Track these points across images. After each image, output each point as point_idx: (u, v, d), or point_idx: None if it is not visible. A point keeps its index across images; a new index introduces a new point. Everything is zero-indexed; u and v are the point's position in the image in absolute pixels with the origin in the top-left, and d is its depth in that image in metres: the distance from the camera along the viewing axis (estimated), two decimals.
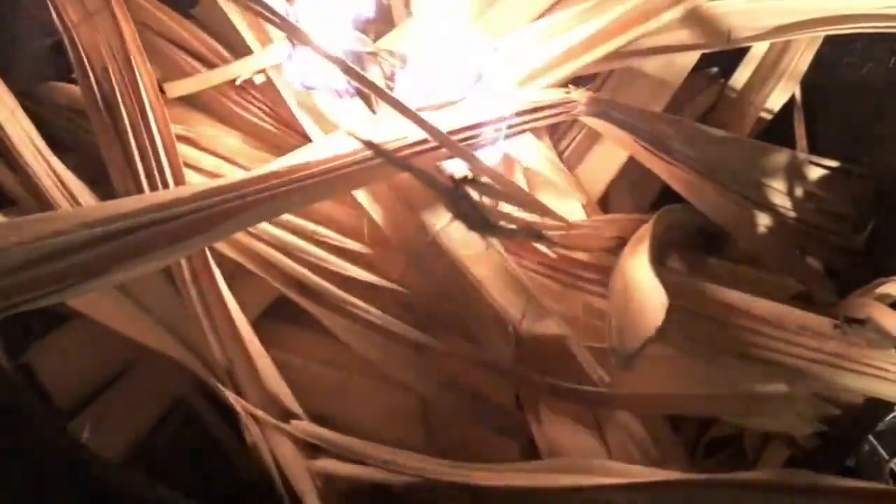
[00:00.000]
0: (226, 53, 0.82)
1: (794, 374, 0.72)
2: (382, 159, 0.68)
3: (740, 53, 0.95)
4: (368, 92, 0.71)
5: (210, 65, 0.82)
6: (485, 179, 0.72)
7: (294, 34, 0.67)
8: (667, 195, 0.84)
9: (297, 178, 0.67)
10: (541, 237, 0.67)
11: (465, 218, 0.56)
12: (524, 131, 0.75)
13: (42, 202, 0.74)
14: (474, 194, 0.57)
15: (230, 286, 0.75)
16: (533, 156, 0.82)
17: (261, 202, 0.66)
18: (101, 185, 0.75)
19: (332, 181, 0.67)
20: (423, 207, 0.74)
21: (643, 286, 0.66)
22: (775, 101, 0.93)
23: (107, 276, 0.61)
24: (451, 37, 0.80)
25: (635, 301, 0.65)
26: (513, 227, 0.62)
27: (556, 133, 0.89)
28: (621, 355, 0.63)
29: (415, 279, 0.75)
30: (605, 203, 0.89)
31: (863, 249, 0.87)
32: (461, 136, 0.73)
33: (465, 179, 0.55)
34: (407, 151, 0.71)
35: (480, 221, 0.57)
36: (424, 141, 0.71)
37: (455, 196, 0.54)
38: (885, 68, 0.88)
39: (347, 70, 0.65)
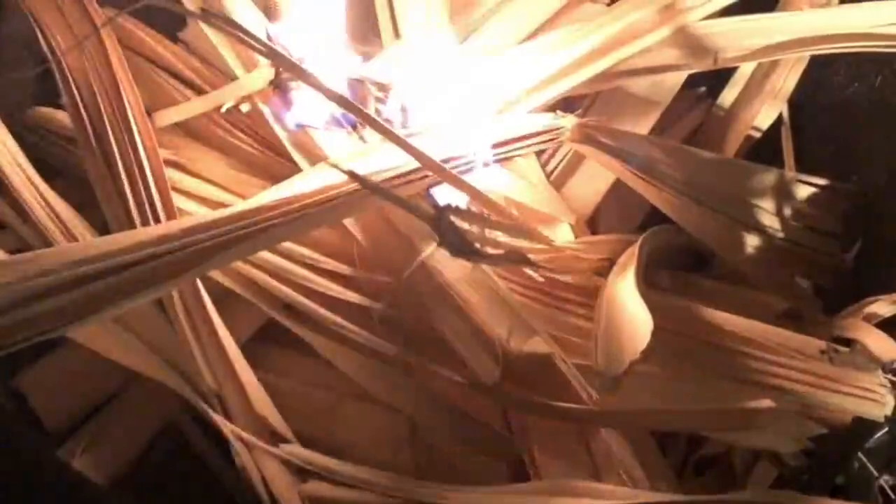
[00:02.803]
0: (214, 78, 0.81)
1: (780, 393, 0.72)
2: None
3: (728, 72, 0.95)
4: (357, 119, 0.71)
5: (198, 89, 0.81)
6: (469, 206, 0.72)
7: (279, 61, 0.67)
8: (656, 213, 0.85)
9: (287, 211, 0.67)
10: (527, 262, 0.67)
11: (450, 246, 0.56)
12: (511, 158, 0.75)
13: (31, 227, 0.74)
14: (459, 221, 0.57)
15: (219, 310, 0.74)
16: (520, 178, 0.81)
17: (251, 236, 0.66)
18: (91, 210, 0.75)
19: (323, 213, 0.68)
20: (410, 229, 0.74)
21: (629, 310, 0.66)
22: (763, 120, 0.94)
23: (97, 314, 0.61)
24: (438, 61, 0.80)
25: (621, 324, 0.66)
26: (499, 252, 0.63)
27: (543, 153, 0.89)
28: (606, 378, 0.63)
29: (403, 300, 0.74)
30: (593, 223, 0.89)
31: (851, 267, 0.86)
32: (450, 163, 0.73)
33: (448, 208, 0.55)
34: (396, 179, 0.70)
35: (465, 249, 0.57)
36: (415, 168, 0.71)
37: (439, 224, 0.54)
38: (871, 87, 0.88)
39: (336, 98, 0.65)
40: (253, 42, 0.61)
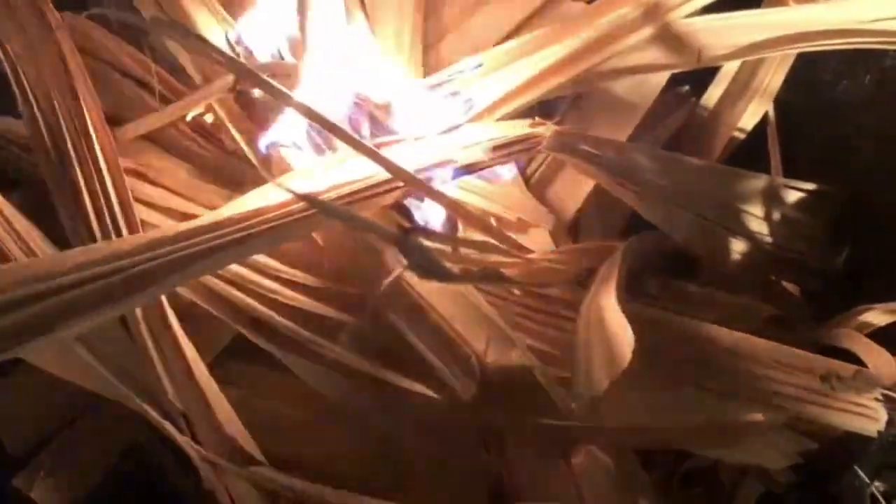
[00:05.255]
0: (180, 86, 0.78)
1: (767, 407, 0.70)
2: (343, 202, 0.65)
3: (712, 70, 0.92)
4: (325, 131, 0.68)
5: (162, 97, 0.78)
6: (444, 221, 0.69)
7: (234, 69, 0.64)
8: (640, 217, 0.82)
9: (252, 225, 0.64)
10: (502, 279, 0.64)
11: (418, 268, 0.54)
12: (487, 167, 0.72)
13: None
14: (427, 241, 0.54)
15: (185, 326, 0.72)
16: (498, 185, 0.79)
17: (215, 250, 0.64)
18: (50, 221, 0.72)
19: (289, 226, 0.65)
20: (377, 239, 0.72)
21: (609, 326, 0.64)
22: (748, 120, 0.91)
23: (53, 333, 0.59)
24: (410, 65, 0.78)
25: (601, 342, 0.63)
26: (472, 271, 0.60)
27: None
28: (584, 399, 0.60)
29: (375, 313, 0.72)
30: (575, 228, 0.86)
31: (840, 272, 0.84)
32: (423, 173, 0.71)
33: (414, 229, 0.52)
34: (367, 191, 0.68)
35: (435, 270, 0.54)
36: (387, 179, 0.68)
37: (406, 247, 0.51)
38: (860, 86, 0.85)
39: (299, 107, 0.62)
40: (204, 49, 0.58)
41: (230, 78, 0.71)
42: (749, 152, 0.90)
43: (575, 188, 0.85)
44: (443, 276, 0.55)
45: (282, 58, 0.78)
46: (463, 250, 0.62)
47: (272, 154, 0.74)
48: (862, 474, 0.74)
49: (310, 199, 0.57)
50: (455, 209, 0.70)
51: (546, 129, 0.75)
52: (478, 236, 0.76)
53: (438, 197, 0.68)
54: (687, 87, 0.94)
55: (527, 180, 0.85)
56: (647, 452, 0.76)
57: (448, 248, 0.61)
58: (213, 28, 0.80)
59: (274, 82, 0.68)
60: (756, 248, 0.82)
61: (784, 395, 0.70)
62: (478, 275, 0.60)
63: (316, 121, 0.63)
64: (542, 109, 0.85)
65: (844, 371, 0.68)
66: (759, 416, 0.67)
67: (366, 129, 0.76)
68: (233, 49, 0.77)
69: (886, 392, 0.70)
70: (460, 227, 0.78)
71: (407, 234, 0.51)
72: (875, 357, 0.69)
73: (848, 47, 0.79)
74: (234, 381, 0.74)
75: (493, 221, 0.79)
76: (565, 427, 0.69)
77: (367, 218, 0.61)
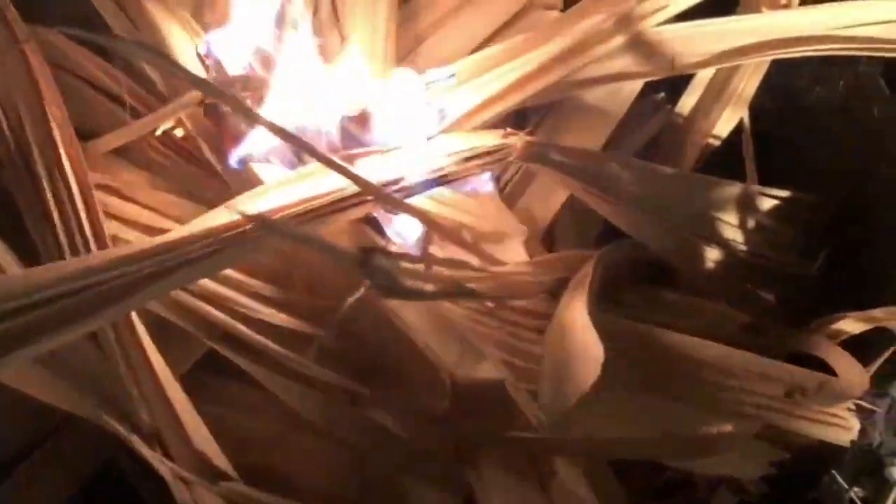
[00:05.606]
0: (151, 99, 0.78)
1: (739, 418, 0.69)
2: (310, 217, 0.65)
3: (687, 77, 0.92)
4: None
5: (133, 110, 0.78)
6: (411, 240, 0.69)
7: (202, 86, 0.63)
8: (615, 225, 0.82)
9: (221, 240, 0.63)
10: (470, 295, 0.64)
11: (381, 288, 0.53)
12: (460, 179, 0.72)
13: None
14: (389, 261, 0.54)
15: (156, 340, 0.71)
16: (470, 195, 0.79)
17: (183, 266, 0.63)
18: (19, 237, 0.71)
19: (257, 241, 0.64)
20: None
21: (578, 340, 0.64)
22: (723, 126, 0.91)
23: (21, 351, 0.58)
24: (383, 75, 0.77)
25: (569, 356, 0.63)
26: (439, 288, 0.59)
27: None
28: (552, 415, 0.60)
29: (346, 327, 0.71)
30: (550, 237, 0.86)
31: (815, 279, 0.84)
32: (395, 185, 0.70)
33: (375, 250, 0.52)
34: (336, 204, 0.67)
35: (398, 290, 0.54)
36: (356, 192, 0.68)
37: (367, 267, 0.51)
38: (835, 92, 0.85)
39: (267, 124, 0.62)
40: (169, 66, 0.57)
41: (198, 92, 0.70)
42: (724, 159, 0.89)
43: (549, 197, 0.85)
44: (407, 294, 0.54)
45: (253, 70, 0.76)
46: (429, 269, 0.61)
47: (244, 168, 0.73)
48: (840, 480, 0.74)
49: (261, 221, 0.57)
50: (426, 221, 0.70)
51: (518, 140, 0.74)
52: (450, 248, 0.76)
53: (409, 210, 0.68)
54: (662, 94, 0.93)
55: (501, 190, 0.85)
56: (622, 464, 0.75)
57: (415, 266, 0.60)
58: (183, 40, 0.79)
59: (240, 98, 0.68)
60: (730, 256, 0.81)
61: (756, 406, 0.70)
62: (445, 291, 0.60)
63: (280, 136, 0.63)
64: (517, 118, 0.84)
65: (810, 382, 0.68)
66: (729, 427, 0.66)
67: (338, 141, 0.75)
68: (202, 62, 0.76)
69: (859, 402, 0.70)
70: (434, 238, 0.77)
71: (368, 255, 0.50)
72: (845, 367, 0.69)
73: (821, 54, 0.79)
74: (205, 396, 0.73)
75: (466, 233, 0.78)
76: (537, 440, 0.68)
77: (324, 239, 0.60)
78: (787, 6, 0.85)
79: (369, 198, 0.69)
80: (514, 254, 0.80)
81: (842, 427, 0.70)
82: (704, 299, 0.84)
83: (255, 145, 0.72)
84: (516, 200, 0.85)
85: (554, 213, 0.85)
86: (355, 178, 0.65)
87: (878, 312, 0.71)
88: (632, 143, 0.91)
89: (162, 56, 0.61)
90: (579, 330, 0.65)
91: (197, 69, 0.77)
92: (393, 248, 0.72)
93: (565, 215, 0.86)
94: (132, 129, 0.75)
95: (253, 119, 0.62)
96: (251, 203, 0.68)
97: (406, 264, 0.55)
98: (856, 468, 0.73)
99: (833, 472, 0.74)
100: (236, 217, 0.63)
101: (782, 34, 0.80)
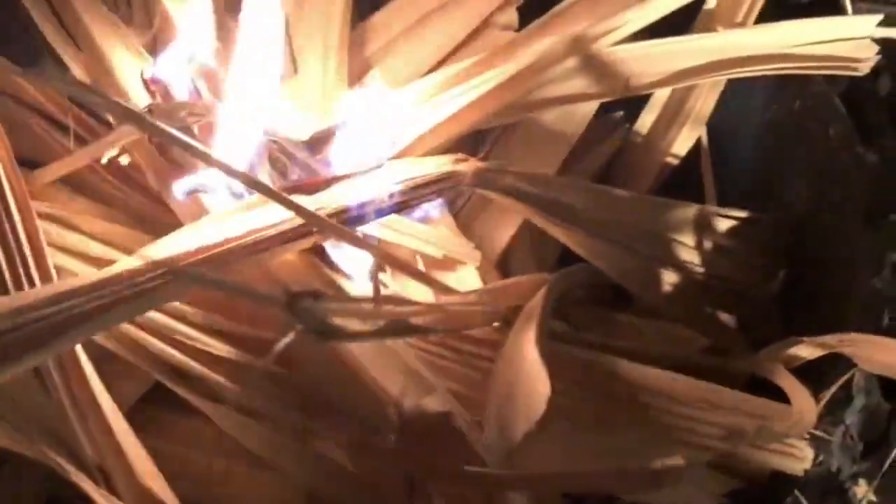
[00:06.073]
0: (97, 127, 0.77)
1: (692, 447, 0.69)
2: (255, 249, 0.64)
3: (646, 96, 0.91)
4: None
5: (81, 138, 0.77)
6: (360, 270, 0.68)
7: (134, 120, 0.62)
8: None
9: (162, 275, 0.62)
10: (412, 332, 0.63)
11: (313, 332, 0.52)
12: (411, 207, 0.71)
13: None
14: (319, 304, 0.52)
15: (101, 373, 0.70)
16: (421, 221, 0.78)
17: (125, 300, 0.62)
18: None
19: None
20: (296, 283, 0.70)
21: (525, 374, 0.63)
22: (681, 145, 0.90)
23: None
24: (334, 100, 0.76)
25: (516, 391, 0.62)
26: (377, 327, 0.58)
27: None
28: (498, 452, 0.59)
29: (292, 358, 0.70)
30: (505, 263, 0.85)
31: (774, 300, 0.83)
32: (342, 215, 0.70)
33: (301, 293, 0.50)
34: (280, 237, 0.67)
35: (331, 333, 0.53)
36: (301, 224, 0.67)
37: (294, 311, 0.50)
38: (790, 111, 0.84)
39: (204, 157, 0.61)
40: (103, 101, 0.56)
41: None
42: (681, 179, 0.88)
43: (504, 222, 0.84)
44: (342, 337, 0.53)
45: (199, 94, 0.75)
46: (367, 307, 0.60)
47: (189, 199, 0.72)
48: (803, 500, 0.73)
49: (174, 270, 0.55)
50: (374, 252, 0.68)
51: (469, 166, 0.73)
52: (400, 277, 0.75)
53: (355, 241, 0.67)
54: (621, 113, 0.92)
55: (455, 215, 0.83)
56: (576, 497, 0.74)
57: (352, 306, 0.59)
58: (129, 64, 0.78)
59: (186, 123, 0.67)
60: (688, 279, 0.80)
61: (709, 436, 0.69)
62: (385, 330, 0.58)
63: (220, 168, 0.61)
64: (473, 141, 0.84)
65: (765, 412, 0.67)
66: (680, 460, 0.65)
67: (287, 168, 0.74)
68: (147, 87, 0.75)
69: (813, 431, 0.69)
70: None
71: (293, 299, 0.49)
72: (797, 396, 0.68)
73: (776, 72, 0.78)
74: (151, 430, 0.73)
75: (417, 260, 0.77)
76: (488, 475, 0.67)
77: (242, 284, 0.59)
78: (741, 25, 0.84)
79: (315, 229, 0.67)
80: (467, 281, 0.79)
81: (794, 456, 0.69)
82: (663, 322, 0.82)
83: (198, 176, 0.70)
84: (471, 224, 0.83)
85: (510, 237, 0.84)
86: (298, 210, 0.64)
87: (831, 338, 0.70)
88: (590, 163, 0.90)
89: (90, 90, 0.59)
90: (527, 364, 0.63)
91: (142, 94, 0.76)
92: (343, 282, 0.70)
93: (522, 238, 0.84)
94: (76, 157, 0.74)
95: (189, 151, 0.61)
96: (191, 236, 0.66)
97: (337, 305, 0.53)
98: (821, 487, 0.72)
99: (796, 493, 0.73)
100: (190, 245, 0.62)
101: (737, 53, 0.79)
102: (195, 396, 0.72)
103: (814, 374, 0.73)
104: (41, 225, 0.71)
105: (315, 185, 0.72)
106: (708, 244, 0.82)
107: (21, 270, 0.68)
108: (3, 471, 0.73)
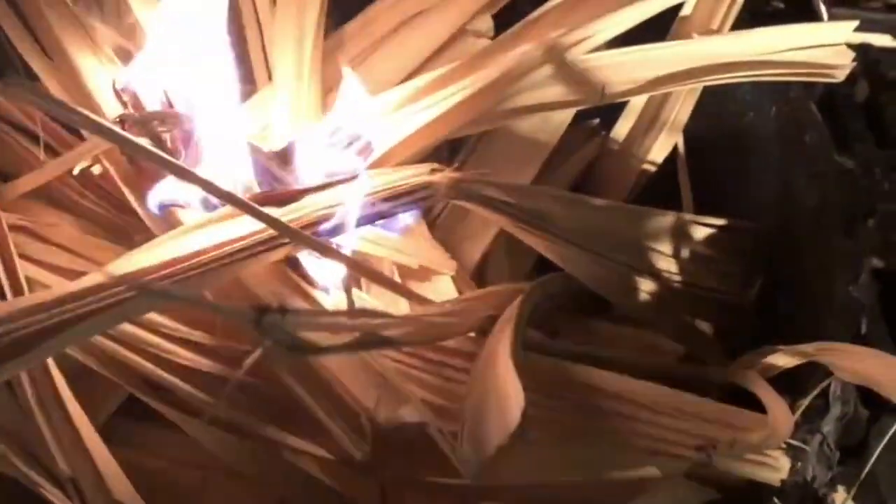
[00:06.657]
0: (68, 137, 0.76)
1: (667, 458, 0.68)
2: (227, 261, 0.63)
3: (623, 103, 0.91)
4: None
5: (52, 149, 0.76)
6: (334, 281, 0.68)
7: (101, 132, 0.62)
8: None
9: (136, 287, 0.61)
10: (384, 345, 0.62)
11: (282, 346, 0.51)
12: (386, 217, 0.71)
13: None
14: (287, 319, 0.52)
15: (76, 387, 0.69)
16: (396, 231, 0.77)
17: (97, 312, 0.61)
18: None
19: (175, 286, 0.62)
20: (270, 294, 0.70)
21: (500, 386, 0.62)
22: (658, 153, 0.90)
23: None
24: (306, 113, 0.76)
25: (490, 403, 0.62)
26: (348, 340, 0.58)
27: None
28: (471, 465, 0.58)
29: (266, 370, 0.69)
30: (481, 272, 0.84)
31: (751, 308, 0.83)
32: (315, 227, 0.69)
33: (270, 309, 0.50)
34: (254, 247, 0.66)
35: (300, 348, 0.52)
36: (274, 235, 0.66)
37: (262, 327, 0.49)
38: (767, 118, 0.84)
39: (174, 169, 0.60)
40: (72, 113, 0.56)
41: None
42: (658, 186, 0.88)
43: (480, 231, 0.83)
44: (312, 351, 0.53)
45: (170, 104, 0.75)
46: (339, 321, 0.59)
47: (163, 211, 0.72)
48: None
49: (140, 284, 0.55)
50: (347, 262, 0.68)
51: (444, 177, 0.73)
52: (375, 288, 0.75)
53: (327, 252, 0.66)
54: (597, 120, 0.92)
55: (430, 224, 0.82)
56: None
57: (324, 320, 0.58)
58: (101, 73, 0.78)
59: (158, 134, 0.66)
60: (665, 287, 0.80)
61: (685, 446, 0.68)
62: (356, 343, 0.58)
63: (191, 179, 0.61)
64: (448, 150, 0.83)
65: (741, 423, 0.67)
66: (656, 471, 0.64)
67: (259, 179, 0.73)
68: (119, 97, 0.74)
69: (790, 441, 0.69)
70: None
71: (260, 313, 0.49)
72: (773, 406, 0.68)
73: (752, 79, 0.78)
74: (125, 442, 0.72)
75: (391, 270, 0.77)
76: (463, 487, 0.67)
77: (208, 300, 0.59)
78: (717, 32, 0.84)
79: (287, 240, 0.67)
80: (443, 291, 0.79)
81: (770, 466, 0.69)
82: (640, 330, 0.82)
83: (170, 187, 0.69)
84: (447, 234, 0.83)
85: (486, 246, 0.83)
86: (270, 221, 0.64)
87: (808, 347, 0.70)
88: (566, 171, 0.89)
89: (57, 103, 0.59)
90: (501, 376, 0.63)
91: (114, 105, 0.75)
92: (317, 294, 0.69)
93: (498, 248, 0.84)
94: (47, 169, 0.73)
95: (160, 163, 0.60)
96: (163, 248, 0.66)
97: (306, 318, 0.53)
98: (799, 496, 0.72)
99: (775, 500, 0.73)
100: (164, 256, 0.62)
101: (713, 60, 0.79)
102: (169, 409, 0.71)
103: (791, 383, 0.72)
104: (12, 237, 0.70)
105: (288, 196, 0.71)
106: (685, 252, 0.81)
107: None
108: None
